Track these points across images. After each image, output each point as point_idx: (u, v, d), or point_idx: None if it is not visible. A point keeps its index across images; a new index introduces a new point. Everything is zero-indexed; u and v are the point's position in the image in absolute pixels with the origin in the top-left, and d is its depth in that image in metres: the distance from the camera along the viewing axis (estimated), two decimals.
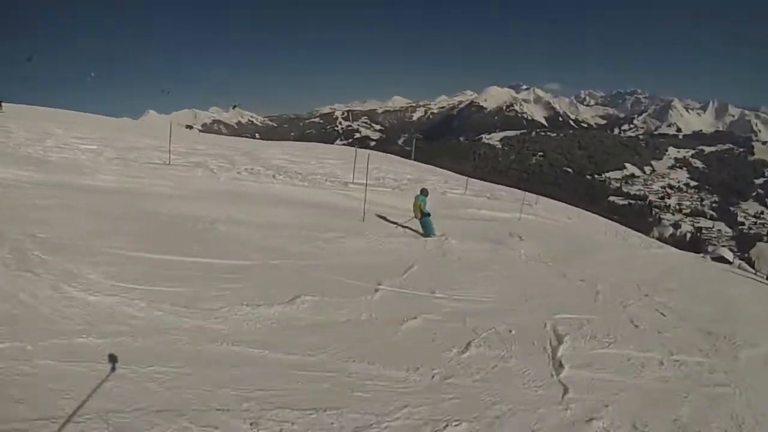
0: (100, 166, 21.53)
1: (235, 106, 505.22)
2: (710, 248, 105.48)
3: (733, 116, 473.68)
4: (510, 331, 9.23)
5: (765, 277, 40.64)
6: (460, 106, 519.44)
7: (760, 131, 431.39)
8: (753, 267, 74.38)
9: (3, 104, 43.25)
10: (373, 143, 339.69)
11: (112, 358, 5.92)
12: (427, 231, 17.58)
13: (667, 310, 12.91)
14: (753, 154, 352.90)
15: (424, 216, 17.60)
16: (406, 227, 18.46)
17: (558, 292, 12.88)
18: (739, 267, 64.57)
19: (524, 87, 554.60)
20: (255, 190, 23.07)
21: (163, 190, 18.76)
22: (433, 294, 11.02)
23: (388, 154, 63.99)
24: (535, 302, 11.44)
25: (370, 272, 11.83)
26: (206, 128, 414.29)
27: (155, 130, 44.99)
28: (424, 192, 18.29)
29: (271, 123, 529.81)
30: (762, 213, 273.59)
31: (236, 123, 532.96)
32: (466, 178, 43.79)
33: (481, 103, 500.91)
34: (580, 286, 14.05)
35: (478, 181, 49.96)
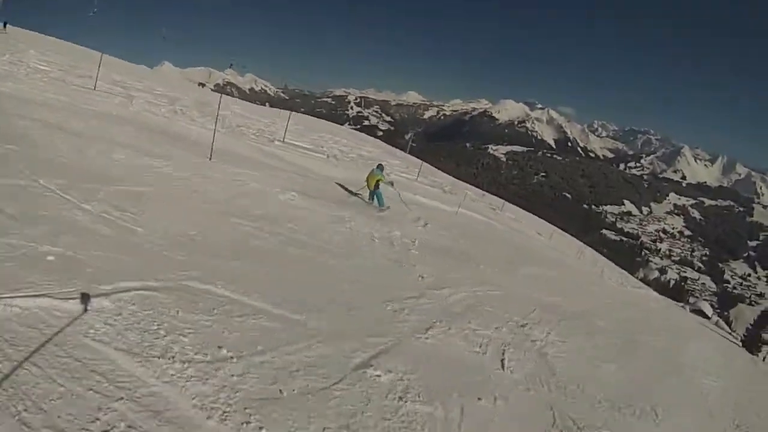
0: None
1: (231, 65, 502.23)
2: (691, 299, 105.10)
3: (740, 175, 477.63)
4: None
5: (740, 339, 39.90)
6: (473, 112, 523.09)
7: (763, 194, 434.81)
8: (730, 326, 73.69)
9: (8, 26, 42.22)
10: (380, 133, 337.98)
11: None
12: (377, 202, 17.95)
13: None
14: (752, 215, 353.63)
15: (376, 189, 17.94)
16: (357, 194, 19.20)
17: (365, 274, 10.31)
18: (716, 324, 63.83)
19: (539, 106, 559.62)
20: (150, 121, 21.47)
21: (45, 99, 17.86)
22: None
23: (362, 133, 62.24)
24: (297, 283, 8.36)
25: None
26: (218, 89, 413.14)
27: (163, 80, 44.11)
28: (380, 167, 18.71)
29: (283, 95, 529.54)
30: (749, 275, 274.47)
31: (249, 89, 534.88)
32: (434, 169, 42.29)
33: (493, 114, 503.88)
34: (408, 273, 11.55)
35: (447, 175, 48.20)
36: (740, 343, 42.00)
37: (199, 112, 28.12)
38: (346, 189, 19.77)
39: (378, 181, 18.04)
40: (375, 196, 18.11)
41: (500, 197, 52.85)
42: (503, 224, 28.90)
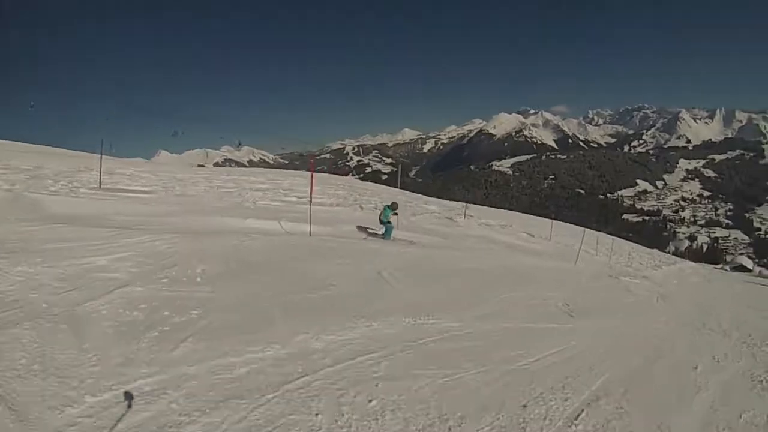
0: None
1: (240, 144, 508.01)
2: (728, 258, 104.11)
3: (741, 121, 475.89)
4: None
5: None
6: (470, 135, 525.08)
7: None
8: None
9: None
10: (385, 176, 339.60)
11: None
12: (385, 234, 20.06)
13: None
14: (764, 157, 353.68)
15: (383, 223, 20.17)
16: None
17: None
18: (760, 274, 62.63)
19: (532, 111, 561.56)
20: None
21: None
22: None
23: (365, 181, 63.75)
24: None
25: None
26: (218, 167, 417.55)
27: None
28: (392, 206, 20.70)
29: (282, 160, 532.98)
30: None
31: (248, 161, 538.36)
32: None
33: (490, 131, 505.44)
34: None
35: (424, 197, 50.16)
36: None
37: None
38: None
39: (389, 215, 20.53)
40: (385, 230, 20.23)
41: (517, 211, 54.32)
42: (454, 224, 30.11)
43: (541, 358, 8.15)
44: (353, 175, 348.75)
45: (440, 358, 7.44)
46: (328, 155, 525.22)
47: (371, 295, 10.23)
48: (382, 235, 20.26)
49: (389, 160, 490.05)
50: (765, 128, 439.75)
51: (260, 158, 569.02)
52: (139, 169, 31.40)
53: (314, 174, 22.22)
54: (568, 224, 49.58)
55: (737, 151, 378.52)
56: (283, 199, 26.40)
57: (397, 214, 21.81)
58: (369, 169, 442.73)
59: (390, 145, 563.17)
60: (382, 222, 20.35)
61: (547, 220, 43.96)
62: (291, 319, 8.08)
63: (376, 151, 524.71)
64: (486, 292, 12.21)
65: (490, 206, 61.19)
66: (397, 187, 55.58)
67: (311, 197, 19.22)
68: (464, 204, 39.63)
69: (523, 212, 61.37)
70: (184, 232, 13.32)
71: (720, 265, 75.38)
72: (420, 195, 50.37)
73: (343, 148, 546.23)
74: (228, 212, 19.47)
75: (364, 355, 7.17)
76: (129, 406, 5.08)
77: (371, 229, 21.32)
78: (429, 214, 31.39)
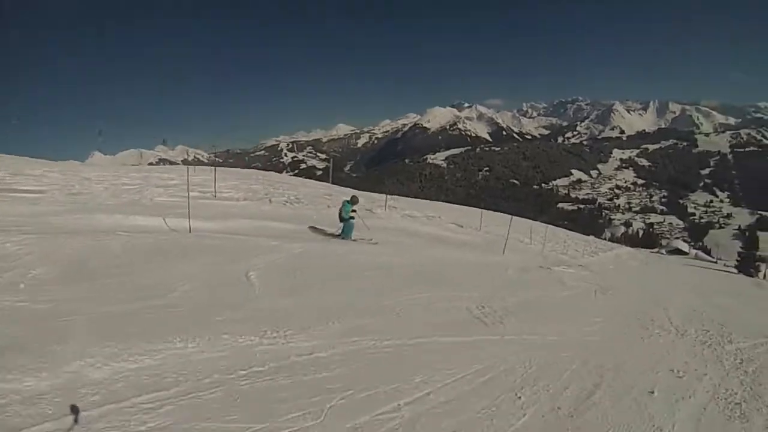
0: None
1: (165, 142, 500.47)
2: (664, 242, 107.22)
3: (675, 113, 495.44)
4: None
5: (733, 266, 40.37)
6: (404, 129, 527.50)
7: (702, 124, 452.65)
8: (709, 254, 75.18)
9: None
10: (319, 172, 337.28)
11: None
12: (344, 233, 17.98)
13: None
14: (697, 146, 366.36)
15: (343, 220, 17.97)
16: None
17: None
18: (696, 257, 65.29)
19: (466, 105, 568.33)
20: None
21: None
22: None
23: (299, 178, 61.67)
24: None
25: None
26: (151, 167, 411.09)
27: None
28: (352, 200, 18.56)
29: (217, 159, 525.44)
30: (711, 202, 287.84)
31: (182, 160, 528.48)
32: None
33: (424, 125, 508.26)
34: None
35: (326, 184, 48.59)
36: (736, 270, 42.57)
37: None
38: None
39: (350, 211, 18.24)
40: (343, 228, 18.18)
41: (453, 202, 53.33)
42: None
43: (424, 396, 5.72)
44: (287, 172, 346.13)
45: (261, 401, 5.10)
46: (262, 152, 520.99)
47: (220, 304, 7.81)
48: (341, 234, 18.17)
49: (324, 156, 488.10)
50: (698, 119, 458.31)
51: (194, 157, 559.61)
52: (50, 170, 28.95)
53: (241, 169, 20.10)
54: (501, 214, 48.38)
55: (671, 140, 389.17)
56: (184, 195, 24.02)
57: (355, 211, 18.71)
58: (303, 166, 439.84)
59: (324, 140, 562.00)
60: (342, 219, 18.19)
61: (479, 210, 42.28)
62: (90, 335, 5.95)
63: (310, 147, 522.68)
64: (386, 296, 9.83)
65: (425, 199, 59.77)
66: (328, 181, 53.75)
67: (214, 191, 16.96)
68: (387, 195, 37.54)
69: (457, 204, 60.12)
70: (45, 233, 10.95)
71: (656, 250, 77.69)
72: (344, 188, 48.21)
73: (278, 144, 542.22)
74: (118, 209, 16.91)
75: (148, 393, 4.95)
76: None
77: (321, 227, 19.00)
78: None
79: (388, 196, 38.27)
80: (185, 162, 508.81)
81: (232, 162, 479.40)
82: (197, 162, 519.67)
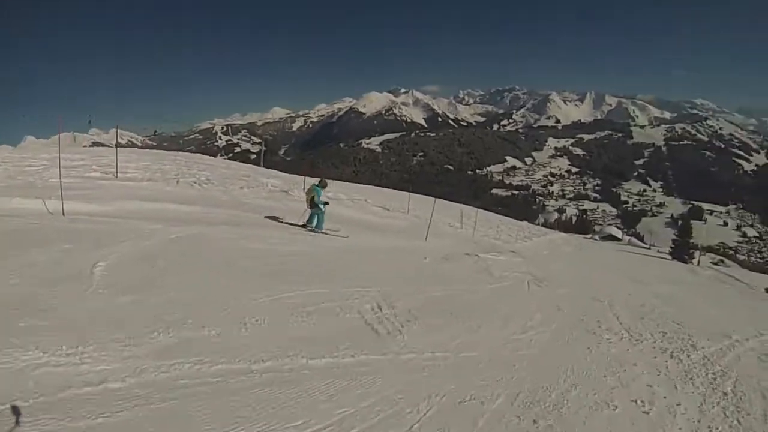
0: None
1: (90, 122, 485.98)
2: (597, 228, 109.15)
3: (611, 105, 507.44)
4: None
5: (667, 253, 41.64)
6: (340, 113, 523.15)
7: (637, 117, 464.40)
8: (642, 240, 77.45)
9: None
10: (253, 156, 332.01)
11: None
12: (313, 223, 16.00)
13: None
14: (632, 138, 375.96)
15: (315, 207, 15.97)
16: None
17: None
18: (629, 243, 66.58)
19: (403, 90, 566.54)
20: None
21: None
22: None
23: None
24: None
25: None
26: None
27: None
28: (321, 183, 17.04)
29: (150, 142, 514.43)
30: (644, 191, 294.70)
31: (115, 144, 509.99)
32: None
33: (360, 109, 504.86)
34: None
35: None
36: (670, 257, 43.43)
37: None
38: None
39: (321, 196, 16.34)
40: (312, 216, 16.30)
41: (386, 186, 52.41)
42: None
43: None
44: (222, 155, 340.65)
45: None
46: (197, 135, 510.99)
47: (35, 304, 5.81)
48: (309, 224, 16.19)
49: (258, 140, 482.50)
50: (634, 112, 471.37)
51: (128, 141, 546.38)
52: None
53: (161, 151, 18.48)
54: (432, 198, 47.41)
55: (606, 131, 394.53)
56: (83, 176, 22.10)
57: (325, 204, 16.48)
58: (238, 149, 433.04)
59: (259, 124, 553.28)
60: (312, 206, 16.13)
61: (405, 193, 41.13)
62: None
63: (245, 131, 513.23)
64: (252, 294, 7.50)
65: (358, 183, 58.63)
66: (260, 165, 51.97)
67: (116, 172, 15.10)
68: (305, 177, 35.96)
69: (391, 188, 59.08)
70: None
71: (590, 236, 78.44)
72: (271, 170, 46.38)
73: (212, 127, 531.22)
74: (5, 192, 15.09)
75: None
76: None
77: (283, 220, 16.88)
78: (261, 187, 26.97)
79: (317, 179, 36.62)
80: (119, 145, 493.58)
81: (166, 145, 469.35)
82: (131, 145, 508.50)
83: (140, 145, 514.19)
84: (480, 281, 12.30)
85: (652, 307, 12.41)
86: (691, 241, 47.05)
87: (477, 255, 16.43)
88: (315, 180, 19.03)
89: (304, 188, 27.29)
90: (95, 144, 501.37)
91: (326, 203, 16.31)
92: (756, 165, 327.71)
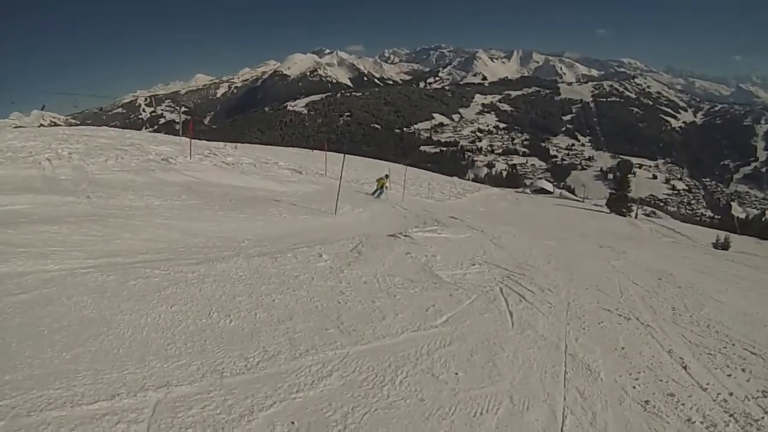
0: None
1: (44, 108, 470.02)
2: (528, 182, 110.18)
3: (538, 62, 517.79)
4: None
5: (604, 205, 43.96)
6: (264, 77, 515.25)
7: (564, 74, 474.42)
8: (573, 193, 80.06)
9: None
10: (178, 126, 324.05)
11: None
12: (381, 197, 24.83)
13: None
14: (559, 94, 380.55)
15: (382, 188, 25.55)
16: None
17: None
18: (561, 196, 66.73)
19: (327, 51, 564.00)
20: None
21: None
22: None
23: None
24: None
25: None
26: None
27: None
28: (387, 176, 26.68)
29: (74, 121, 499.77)
30: (573, 145, 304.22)
31: (38, 126, 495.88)
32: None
33: (284, 72, 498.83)
34: None
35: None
36: (608, 209, 43.53)
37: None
38: None
39: (383, 184, 25.83)
40: (380, 193, 25.38)
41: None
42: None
43: None
44: (146, 128, 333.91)
45: None
46: (120, 109, 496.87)
47: None
48: (377, 197, 24.88)
49: (183, 109, 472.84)
50: (561, 69, 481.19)
51: (51, 121, 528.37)
52: None
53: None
54: (355, 157, 44.66)
55: (533, 87, 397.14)
56: None
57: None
58: (163, 120, 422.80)
59: (183, 92, 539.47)
60: (381, 188, 25.74)
61: (337, 155, 38.17)
62: None
63: (169, 100, 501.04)
64: None
65: (286, 146, 57.84)
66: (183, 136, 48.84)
67: None
68: (205, 141, 33.15)
69: (316, 149, 56.74)
70: None
71: (521, 189, 78.73)
72: (164, 136, 42.99)
73: (135, 100, 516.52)
74: None
75: None
76: None
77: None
78: (140, 157, 22.83)
79: (229, 144, 34.79)
80: (42, 127, 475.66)
81: (89, 122, 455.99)
82: (53, 126, 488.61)
83: (63, 124, 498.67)
84: (417, 313, 6.31)
85: (657, 291, 9.16)
86: (628, 194, 49.45)
87: (408, 236, 11.12)
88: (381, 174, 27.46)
89: (190, 154, 23.98)
90: (17, 128, 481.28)
91: (385, 187, 25.71)
92: (684, 122, 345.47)
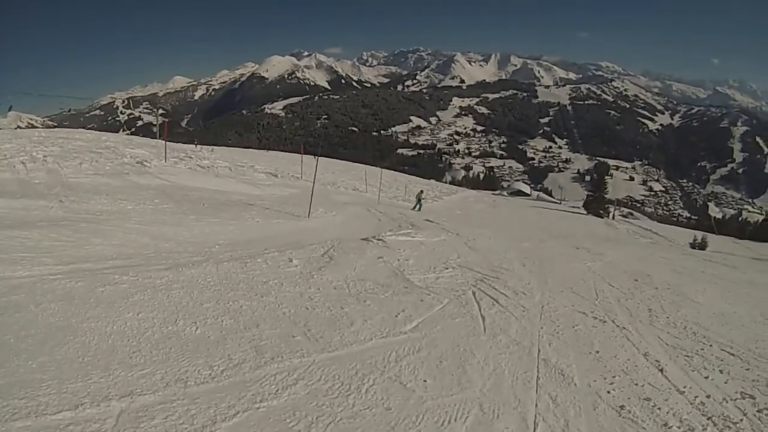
0: None
1: (11, 108, 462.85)
2: (505, 184, 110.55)
3: (516, 65, 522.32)
4: None
5: (581, 207, 44.87)
6: (242, 79, 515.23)
7: (542, 77, 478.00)
8: (550, 195, 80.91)
9: None
10: (155, 129, 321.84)
11: None
12: (417, 208, 28.03)
13: None
14: (537, 97, 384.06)
15: (419, 201, 29.29)
16: None
17: None
18: (538, 198, 67.10)
19: (305, 54, 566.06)
20: None
21: None
22: None
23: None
24: None
25: None
26: None
27: None
28: (424, 193, 30.73)
29: (51, 123, 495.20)
30: (550, 148, 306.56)
31: (15, 128, 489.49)
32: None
33: (262, 74, 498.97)
34: None
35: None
36: (585, 211, 43.26)
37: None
38: None
39: (420, 198, 29.71)
40: (420, 206, 28.51)
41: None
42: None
43: None
44: (124, 130, 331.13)
45: None
46: (98, 111, 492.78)
47: None
48: (416, 209, 27.63)
49: (161, 111, 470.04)
50: (539, 72, 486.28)
51: (28, 123, 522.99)
52: None
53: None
54: (334, 160, 44.80)
55: (511, 90, 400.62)
56: None
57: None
58: (140, 123, 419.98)
59: (161, 94, 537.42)
60: (419, 200, 29.40)
61: (307, 157, 38.04)
62: None
63: (146, 103, 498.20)
64: None
65: (263, 149, 57.59)
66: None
67: None
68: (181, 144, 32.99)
69: (294, 153, 56.76)
70: None
71: (498, 192, 78.99)
72: (140, 139, 42.52)
73: (113, 102, 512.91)
74: None
75: None
76: None
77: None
78: (114, 160, 22.55)
79: (204, 147, 34.56)
80: (19, 129, 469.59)
81: (67, 124, 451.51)
82: (30, 128, 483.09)
83: (41, 126, 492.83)
84: (386, 319, 6.29)
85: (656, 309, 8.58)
86: (605, 195, 49.78)
87: (381, 239, 11.05)
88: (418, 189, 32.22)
89: (165, 157, 23.67)
90: None
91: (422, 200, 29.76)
92: (660, 124, 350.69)
